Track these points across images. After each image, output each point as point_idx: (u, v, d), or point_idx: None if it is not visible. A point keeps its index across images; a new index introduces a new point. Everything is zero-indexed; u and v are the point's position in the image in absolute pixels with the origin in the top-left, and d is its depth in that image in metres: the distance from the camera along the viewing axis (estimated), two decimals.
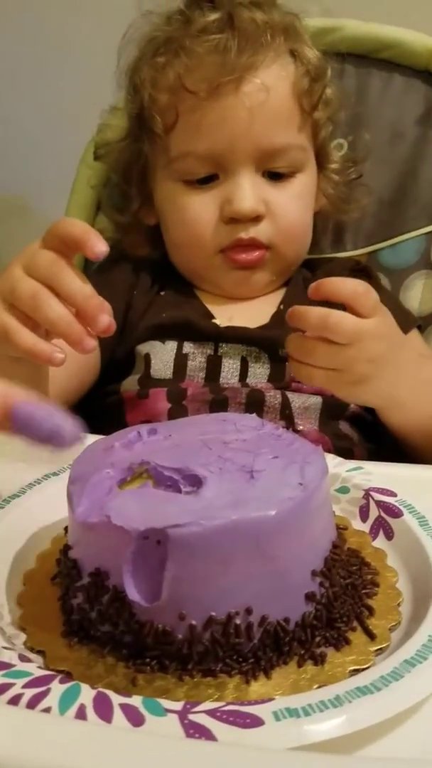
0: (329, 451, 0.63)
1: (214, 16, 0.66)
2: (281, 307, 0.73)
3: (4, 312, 0.43)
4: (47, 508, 0.47)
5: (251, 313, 0.72)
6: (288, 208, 0.69)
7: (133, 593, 0.34)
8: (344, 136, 0.81)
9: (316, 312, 0.49)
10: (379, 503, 0.47)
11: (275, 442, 0.41)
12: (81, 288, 0.43)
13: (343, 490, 0.49)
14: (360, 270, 0.78)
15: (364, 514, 0.48)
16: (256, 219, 0.68)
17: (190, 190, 0.69)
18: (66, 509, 0.39)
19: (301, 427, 0.64)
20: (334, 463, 0.52)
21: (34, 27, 1.41)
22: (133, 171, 0.76)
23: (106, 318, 0.43)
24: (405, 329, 0.72)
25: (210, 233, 0.69)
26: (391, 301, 0.77)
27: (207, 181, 0.68)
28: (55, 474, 0.50)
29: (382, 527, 0.46)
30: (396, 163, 0.82)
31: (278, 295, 0.75)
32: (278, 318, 0.71)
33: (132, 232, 0.77)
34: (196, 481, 0.37)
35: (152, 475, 0.38)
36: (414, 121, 0.82)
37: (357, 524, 0.47)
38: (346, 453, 0.65)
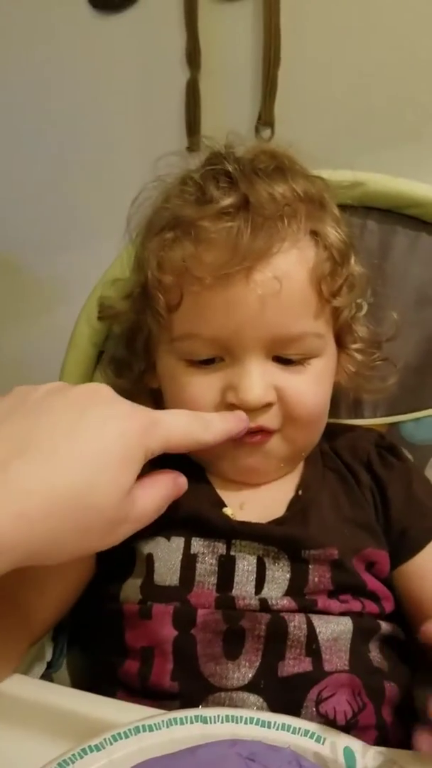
0: (359, 694, 0.56)
1: (229, 200, 0.59)
2: (300, 492, 0.65)
3: None
4: None
5: (266, 496, 0.64)
6: (303, 394, 0.61)
7: None
8: (365, 297, 0.74)
9: None
10: None
11: None
12: None
13: None
14: (387, 448, 0.71)
15: None
16: (265, 406, 0.60)
17: (192, 369, 0.62)
18: None
19: (329, 668, 0.55)
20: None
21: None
22: (137, 341, 0.69)
23: None
24: None
25: None
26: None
27: (211, 361, 0.61)
28: None
29: None
30: (423, 327, 0.76)
31: (295, 474, 0.67)
32: (297, 507, 0.63)
33: (136, 398, 0.69)
34: None
35: None
36: None
37: None
38: (378, 692, 0.57)
